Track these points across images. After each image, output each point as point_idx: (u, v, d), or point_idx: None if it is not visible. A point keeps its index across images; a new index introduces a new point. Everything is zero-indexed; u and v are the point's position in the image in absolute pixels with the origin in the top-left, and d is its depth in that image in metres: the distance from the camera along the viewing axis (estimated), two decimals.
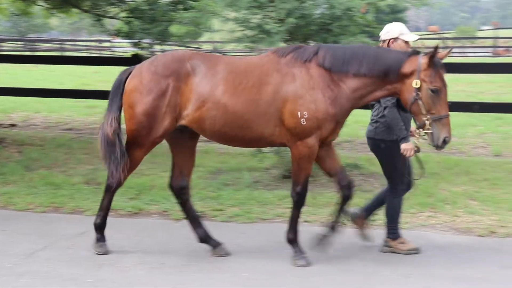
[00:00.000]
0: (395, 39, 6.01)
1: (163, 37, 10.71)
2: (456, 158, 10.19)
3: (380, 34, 6.19)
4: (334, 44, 6.07)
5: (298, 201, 5.93)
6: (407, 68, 5.54)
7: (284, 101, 5.66)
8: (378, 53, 5.71)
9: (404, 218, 7.12)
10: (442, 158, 9.60)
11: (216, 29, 10.57)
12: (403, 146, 5.84)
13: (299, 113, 5.62)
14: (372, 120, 6.17)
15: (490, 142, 11.61)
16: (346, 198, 6.00)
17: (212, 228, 6.41)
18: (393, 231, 6.26)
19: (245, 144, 6.27)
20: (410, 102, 5.54)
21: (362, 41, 7.95)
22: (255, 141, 6.00)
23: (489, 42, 46.24)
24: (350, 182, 5.99)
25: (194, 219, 6.30)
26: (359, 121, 13.11)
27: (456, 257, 6.04)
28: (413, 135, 5.83)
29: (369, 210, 6.45)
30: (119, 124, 6.02)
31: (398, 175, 6.14)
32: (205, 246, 6.21)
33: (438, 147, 5.59)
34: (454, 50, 42.23)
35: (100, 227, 6.21)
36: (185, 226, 6.42)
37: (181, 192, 6.26)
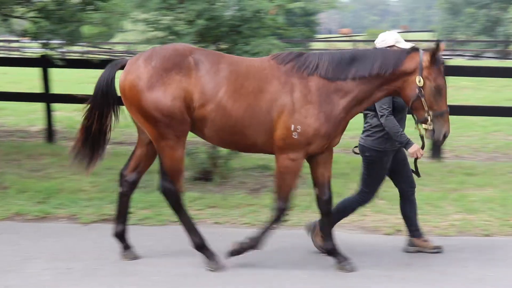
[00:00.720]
0: (391, 47, 5.97)
1: (72, 38, 10.49)
2: (356, 158, 10.36)
3: (375, 43, 6.18)
4: (335, 50, 5.91)
5: (277, 217, 5.81)
6: (408, 65, 5.51)
7: (279, 111, 5.51)
8: (376, 54, 5.64)
9: (313, 218, 7.23)
10: (351, 159, 9.74)
11: (129, 30, 10.45)
12: (411, 150, 5.92)
13: (292, 126, 5.49)
14: (364, 128, 6.19)
15: None
16: (326, 213, 5.96)
17: None
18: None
19: (240, 149, 6.20)
20: (412, 99, 5.52)
21: (273, 43, 8.02)
22: (249, 148, 5.89)
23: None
24: (330, 198, 5.95)
25: (122, 214, 6.10)
26: None
27: (363, 256, 6.14)
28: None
29: (415, 229, 6.40)
30: (110, 123, 5.93)
31: (373, 185, 6.23)
32: (113, 248, 6.12)
33: (439, 141, 5.70)
34: None
35: (202, 246, 5.94)
36: (94, 229, 6.32)
37: (129, 186, 6.06)
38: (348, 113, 5.64)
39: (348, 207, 6.37)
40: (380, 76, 5.53)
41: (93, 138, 5.92)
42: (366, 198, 6.28)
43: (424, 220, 7.21)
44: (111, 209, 7.39)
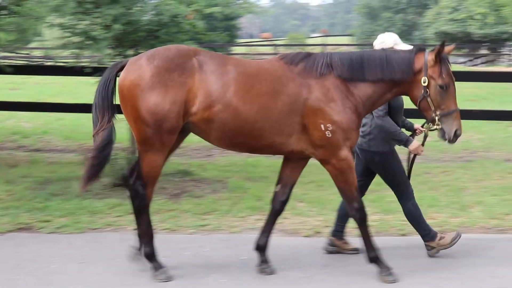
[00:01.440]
0: (391, 48, 5.94)
1: None
2: None
3: (373, 44, 6.19)
4: (343, 51, 5.97)
5: (361, 217, 5.71)
6: (416, 66, 5.55)
7: (304, 114, 5.46)
8: (388, 56, 5.62)
9: (233, 222, 7.29)
10: (272, 162, 9.81)
11: (45, 34, 10.26)
12: (411, 147, 6.02)
13: (322, 126, 5.44)
14: (363, 132, 6.15)
15: None
16: (277, 212, 5.98)
17: (38, 240, 6.20)
18: (426, 233, 6.27)
19: (252, 150, 5.96)
20: (419, 99, 5.55)
21: None
22: (264, 149, 5.75)
23: (318, 49, 48.07)
24: (287, 200, 5.97)
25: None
26: None
27: (283, 258, 6.18)
28: (419, 132, 6.15)
29: (339, 230, 6.46)
30: (113, 126, 5.59)
31: (401, 181, 6.22)
32: (30, 257, 5.98)
33: (450, 141, 5.63)
34: None
35: (151, 255, 5.74)
36: (10, 239, 6.16)
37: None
38: (361, 114, 5.66)
39: (417, 214, 6.28)
40: (392, 79, 5.58)
41: (103, 147, 5.57)
42: (408, 193, 6.27)
43: None
44: (27, 218, 7.25)
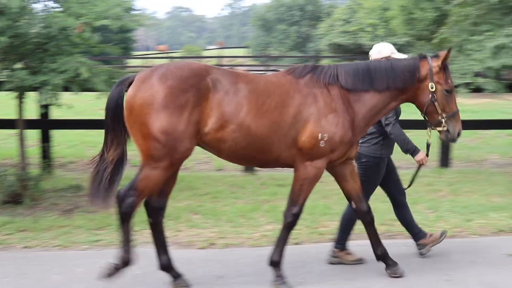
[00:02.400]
0: (387, 57, 6.12)
1: None
2: (181, 174, 10.39)
3: (370, 53, 6.35)
4: (349, 62, 5.96)
5: (292, 222, 5.78)
6: (421, 73, 5.73)
7: (305, 122, 5.52)
8: (394, 65, 5.77)
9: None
10: None
11: None
12: (417, 157, 6.26)
13: (319, 134, 5.51)
14: (365, 138, 6.29)
15: (213, 157, 12.07)
16: (369, 222, 6.07)
17: None
18: (343, 242, 6.46)
19: (261, 165, 5.98)
20: (426, 104, 5.74)
21: (80, 61, 7.87)
22: (272, 163, 5.74)
23: (214, 61, 48.28)
24: (369, 208, 6.05)
25: (161, 243, 5.83)
26: (86, 142, 13.03)
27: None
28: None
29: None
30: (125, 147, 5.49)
31: (372, 190, 6.40)
32: None
33: (454, 140, 5.89)
34: None
35: (127, 262, 5.55)
36: None
37: (157, 213, 5.75)
38: (367, 123, 5.80)
39: (354, 218, 6.43)
40: (399, 87, 5.74)
41: (113, 166, 5.52)
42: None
43: (237, 233, 7.38)
44: None
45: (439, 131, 5.87)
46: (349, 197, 6.08)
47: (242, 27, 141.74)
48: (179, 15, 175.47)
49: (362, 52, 45.40)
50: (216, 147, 5.47)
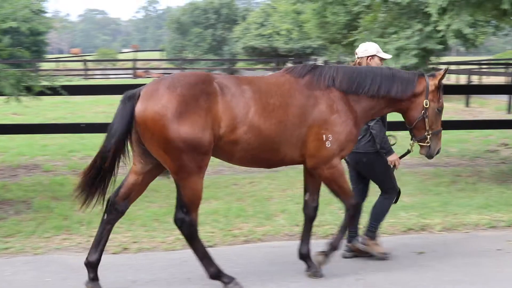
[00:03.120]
0: (373, 56, 6.46)
1: None
2: None
3: (356, 51, 6.60)
4: (348, 65, 6.23)
5: (354, 213, 6.07)
6: (418, 88, 6.00)
7: (310, 124, 5.68)
8: (394, 75, 5.99)
9: (37, 244, 7.05)
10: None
11: None
12: (391, 158, 6.40)
13: (324, 136, 5.68)
14: (360, 135, 6.30)
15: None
16: (311, 218, 6.15)
17: None
18: (373, 230, 6.58)
19: (270, 166, 6.07)
20: (417, 119, 6.04)
21: None
22: (278, 163, 5.90)
23: (129, 64, 47.80)
24: (317, 205, 6.16)
25: (102, 243, 5.77)
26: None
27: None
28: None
29: (354, 235, 6.65)
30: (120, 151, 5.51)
31: (387, 179, 6.51)
32: None
33: (432, 156, 6.20)
34: (96, 72, 42.78)
35: (218, 274, 5.75)
36: None
37: (117, 215, 5.75)
38: (365, 121, 6.09)
39: (384, 209, 6.60)
40: (395, 97, 5.97)
41: (103, 175, 5.58)
42: (392, 191, 6.56)
43: (151, 237, 7.32)
44: None
45: (421, 146, 6.16)
46: (306, 189, 6.20)
47: (157, 30, 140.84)
48: (93, 17, 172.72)
49: (277, 55, 45.87)
50: (229, 150, 5.58)
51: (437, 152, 6.23)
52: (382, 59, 6.59)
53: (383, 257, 6.59)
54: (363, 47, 6.60)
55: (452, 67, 37.71)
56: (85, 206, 5.70)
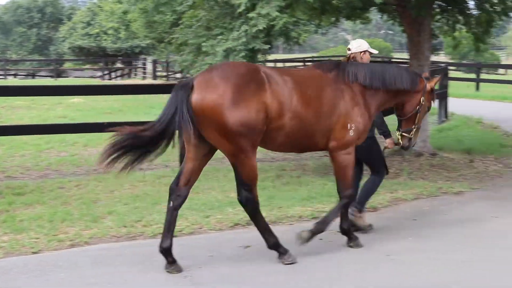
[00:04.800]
0: (365, 52, 7.28)
1: None
2: None
3: (349, 47, 7.33)
4: (365, 63, 7.11)
5: (349, 202, 6.81)
6: (419, 87, 6.95)
7: (338, 114, 6.46)
8: (403, 73, 6.90)
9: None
10: None
11: None
12: (389, 140, 7.53)
13: (349, 125, 6.47)
14: None
15: None
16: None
17: None
18: (362, 204, 7.39)
19: (302, 150, 6.97)
20: (412, 113, 7.00)
21: None
22: (310, 148, 6.74)
23: None
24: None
25: (171, 229, 6.20)
26: None
27: None
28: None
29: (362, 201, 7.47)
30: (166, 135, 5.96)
31: (380, 161, 7.44)
32: None
33: (409, 148, 7.29)
34: None
35: (277, 244, 6.43)
36: None
37: (181, 200, 6.21)
38: (372, 118, 6.86)
39: (375, 186, 7.53)
40: (404, 90, 6.86)
41: (140, 148, 5.99)
42: (382, 172, 7.49)
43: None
44: None
45: (403, 137, 7.11)
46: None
47: None
48: None
49: (105, 54, 45.13)
50: (273, 136, 6.19)
51: (413, 146, 7.35)
52: (371, 54, 7.38)
53: (367, 229, 7.39)
54: (357, 43, 7.37)
55: (279, 64, 38.96)
56: (106, 165, 5.98)
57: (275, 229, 7.25)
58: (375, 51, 7.50)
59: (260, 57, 10.22)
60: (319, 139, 6.49)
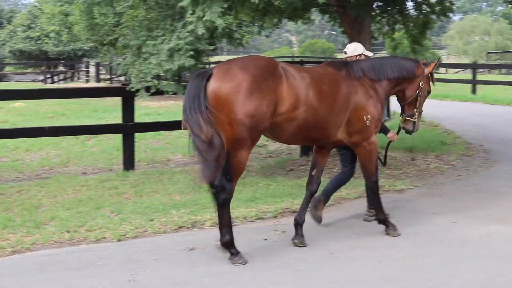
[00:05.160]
0: (360, 55, 7.76)
1: None
2: None
3: (345, 51, 7.89)
4: (366, 59, 7.48)
5: (375, 187, 7.38)
6: (417, 72, 7.43)
7: (352, 108, 6.92)
8: (400, 61, 7.40)
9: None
10: None
11: None
12: (389, 135, 7.79)
13: (364, 117, 6.96)
14: None
15: None
16: (313, 192, 7.27)
17: None
18: (328, 196, 7.82)
19: (314, 142, 7.25)
20: (412, 97, 7.47)
21: None
22: (322, 140, 7.05)
23: None
24: (320, 182, 7.31)
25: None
26: None
27: None
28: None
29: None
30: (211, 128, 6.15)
31: (351, 158, 7.82)
32: None
33: (413, 132, 7.60)
34: None
35: (231, 243, 6.47)
36: None
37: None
38: (383, 107, 7.36)
39: (343, 181, 7.92)
40: (404, 77, 7.37)
41: (210, 143, 6.18)
42: (353, 171, 7.93)
43: None
44: None
45: (407, 121, 7.52)
46: (313, 166, 7.32)
47: None
48: None
49: (47, 58, 44.47)
50: (285, 127, 6.51)
51: (417, 129, 7.61)
52: (366, 56, 7.77)
53: (318, 221, 7.63)
54: (353, 47, 7.88)
55: None
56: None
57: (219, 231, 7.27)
58: (370, 53, 7.95)
59: (202, 58, 10.13)
60: (331, 132, 6.91)
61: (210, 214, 8.09)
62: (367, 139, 7.07)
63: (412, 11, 13.14)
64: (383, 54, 56.23)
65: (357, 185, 9.64)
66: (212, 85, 6.15)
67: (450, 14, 13.11)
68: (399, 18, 13.07)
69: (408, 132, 7.62)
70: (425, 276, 6.13)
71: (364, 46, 11.66)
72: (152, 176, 10.58)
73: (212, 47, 8.99)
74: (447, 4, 12.67)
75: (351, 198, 9.21)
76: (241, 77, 6.14)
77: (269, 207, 8.51)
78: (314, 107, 6.58)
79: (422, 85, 7.43)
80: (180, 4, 8.38)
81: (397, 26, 13.47)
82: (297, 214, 7.21)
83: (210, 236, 7.22)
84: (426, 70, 7.48)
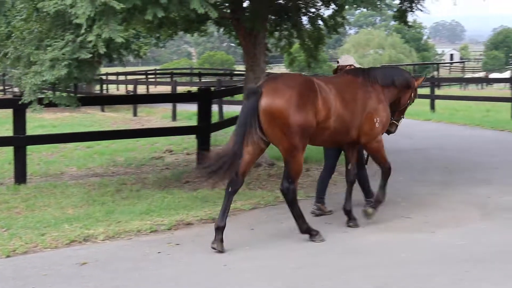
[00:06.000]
0: (350, 65, 8.83)
1: None
2: None
3: (338, 60, 9.17)
4: (379, 67, 9.29)
5: (388, 173, 8.39)
6: (412, 84, 8.60)
7: (367, 111, 7.93)
8: (403, 73, 8.66)
9: None
10: None
11: None
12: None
13: (375, 119, 7.96)
14: None
15: None
16: (352, 182, 8.41)
17: None
18: (322, 195, 9.05)
19: (339, 144, 8.34)
20: (405, 105, 8.68)
21: None
22: (344, 141, 8.06)
23: None
24: (356, 173, 8.51)
25: (228, 210, 7.40)
26: None
27: None
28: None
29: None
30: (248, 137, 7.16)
31: (338, 154, 9.09)
32: None
33: (394, 132, 8.77)
34: None
35: (309, 228, 7.67)
36: None
37: (238, 187, 7.49)
38: (389, 110, 8.32)
39: (325, 177, 9.14)
40: (404, 87, 8.48)
41: (234, 158, 7.08)
42: (332, 164, 9.14)
43: None
44: None
45: (392, 124, 8.56)
46: (347, 161, 8.39)
47: None
48: None
49: None
50: (319, 134, 7.53)
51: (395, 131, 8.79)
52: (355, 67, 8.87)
53: (330, 213, 8.98)
54: (344, 58, 9.13)
55: (121, 77, 38.46)
56: (211, 182, 7.49)
57: (113, 244, 7.22)
58: (357, 65, 9.00)
59: (87, 69, 9.60)
60: (352, 133, 7.88)
61: (103, 227, 7.99)
62: (374, 138, 8.08)
63: (307, 25, 13.39)
64: (281, 67, 57.09)
65: (251, 197, 9.73)
66: (266, 103, 7.13)
67: (343, 29, 13.47)
68: (294, 32, 13.30)
69: (390, 133, 8.74)
70: (317, 285, 6.23)
71: (259, 59, 11.89)
72: (44, 190, 10.35)
73: (89, 56, 8.58)
74: (339, 19, 13.01)
75: (246, 209, 9.26)
76: (289, 94, 7.15)
77: (164, 219, 8.46)
78: (341, 115, 7.61)
79: (413, 96, 8.67)
80: (76, 21, 8.15)
81: (293, 40, 13.70)
82: (344, 204, 8.34)
83: (103, 250, 7.13)
84: (416, 83, 8.71)
